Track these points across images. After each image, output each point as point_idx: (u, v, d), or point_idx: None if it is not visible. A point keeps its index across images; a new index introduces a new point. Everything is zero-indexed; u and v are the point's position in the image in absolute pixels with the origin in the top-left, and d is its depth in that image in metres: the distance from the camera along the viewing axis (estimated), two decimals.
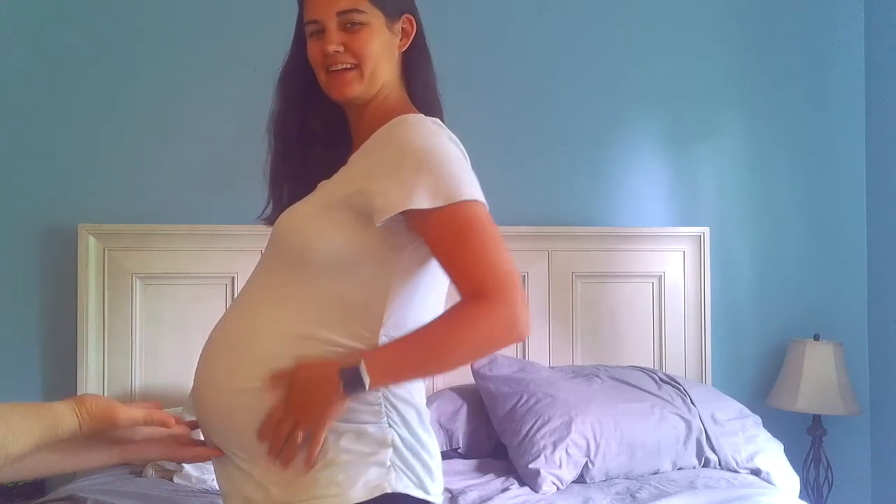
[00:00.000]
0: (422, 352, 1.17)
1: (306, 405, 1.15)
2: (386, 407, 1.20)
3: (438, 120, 1.28)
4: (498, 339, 1.16)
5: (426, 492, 1.22)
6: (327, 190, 1.25)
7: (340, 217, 1.20)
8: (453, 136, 1.26)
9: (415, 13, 1.36)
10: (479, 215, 1.18)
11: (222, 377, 1.23)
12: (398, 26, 1.32)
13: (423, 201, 1.14)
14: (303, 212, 1.25)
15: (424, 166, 1.17)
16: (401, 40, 1.33)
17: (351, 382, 1.13)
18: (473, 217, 1.17)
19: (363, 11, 1.27)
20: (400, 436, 1.21)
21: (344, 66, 1.28)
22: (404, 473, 1.20)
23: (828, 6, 3.17)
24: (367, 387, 1.13)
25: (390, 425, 1.20)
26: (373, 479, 1.17)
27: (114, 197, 2.79)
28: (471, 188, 1.18)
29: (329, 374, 1.14)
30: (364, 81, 1.29)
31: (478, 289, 1.14)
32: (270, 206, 1.40)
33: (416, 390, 1.25)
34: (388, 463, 1.19)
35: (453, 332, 1.16)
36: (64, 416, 1.07)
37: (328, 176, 1.28)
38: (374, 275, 1.21)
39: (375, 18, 1.28)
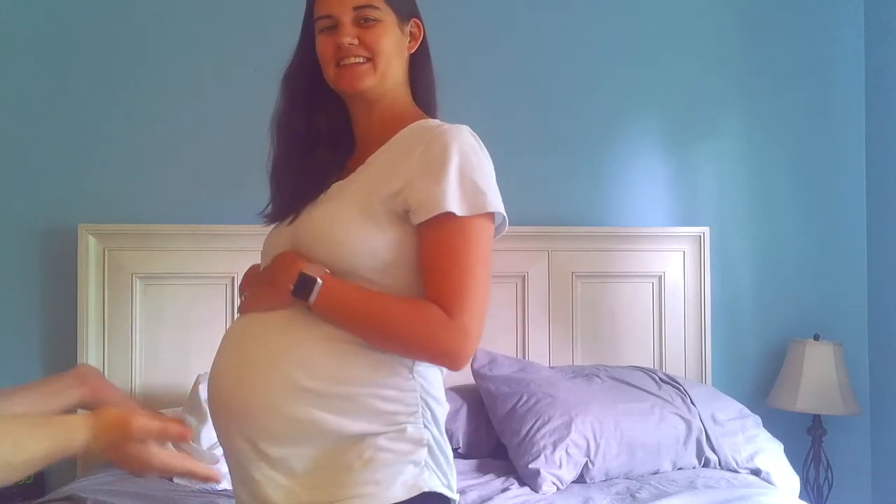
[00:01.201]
0: (370, 312, 1.19)
1: (266, 281, 1.26)
2: (422, 407, 1.22)
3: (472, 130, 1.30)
4: (435, 351, 1.19)
5: (451, 490, 1.24)
6: (357, 192, 1.25)
7: (378, 221, 1.21)
8: (484, 147, 1.28)
9: (421, 19, 1.38)
10: (486, 237, 1.22)
11: (256, 373, 1.21)
12: (408, 28, 1.35)
13: (454, 206, 1.18)
14: (334, 217, 1.25)
15: (464, 174, 1.20)
16: (409, 42, 1.35)
17: (300, 290, 1.18)
18: (482, 237, 1.21)
19: (377, 8, 1.29)
20: (433, 435, 1.23)
21: (357, 60, 1.29)
22: (435, 472, 1.21)
23: (828, 6, 3.17)
24: (309, 304, 1.18)
25: (426, 425, 1.22)
26: (410, 479, 1.18)
27: (114, 197, 2.80)
28: (496, 201, 1.23)
29: (293, 271, 1.20)
30: (377, 75, 1.30)
31: (448, 303, 1.17)
32: (271, 204, 1.41)
33: (441, 387, 1.28)
34: (423, 462, 1.20)
35: (406, 317, 1.18)
36: (77, 429, 1.04)
37: (331, 175, 1.29)
38: (413, 277, 1.22)
39: (388, 16, 1.30)
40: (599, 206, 3.03)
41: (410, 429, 1.20)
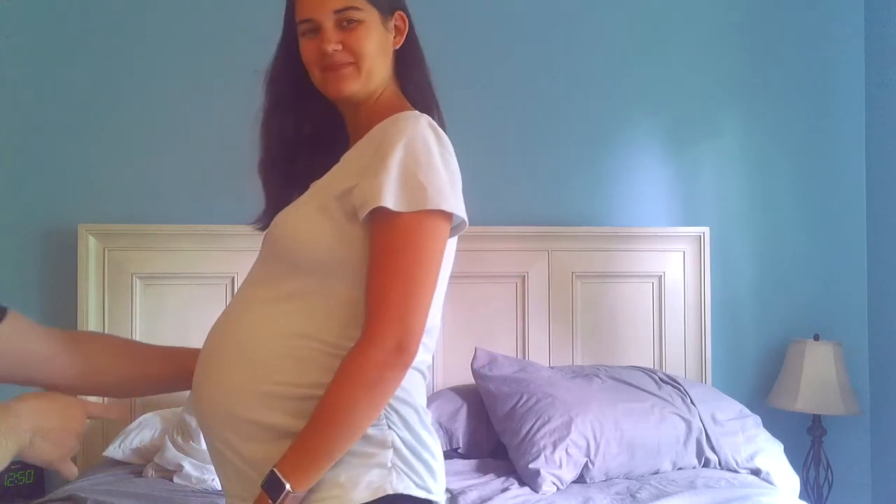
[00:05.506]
0: (326, 431, 1.14)
1: None
2: (385, 409, 1.19)
3: (434, 121, 1.25)
4: (383, 388, 1.14)
5: (428, 491, 1.22)
6: (319, 190, 1.24)
7: (332, 218, 1.19)
8: (446, 139, 1.23)
9: (406, 10, 1.34)
10: (431, 235, 1.16)
11: (222, 379, 1.23)
12: (392, 24, 1.31)
13: (389, 201, 1.13)
14: (296, 214, 1.24)
15: (406, 168, 1.15)
16: (395, 38, 1.32)
17: (276, 494, 1.11)
18: (424, 236, 1.15)
19: (360, 9, 1.26)
20: (401, 437, 1.20)
21: (341, 64, 1.27)
22: (406, 474, 1.19)
23: (828, 6, 3.18)
24: (291, 490, 1.11)
25: (390, 427, 1.20)
26: (375, 481, 1.17)
27: (114, 197, 2.80)
28: (437, 197, 1.15)
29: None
30: (361, 78, 1.28)
31: (367, 322, 1.14)
32: (264, 210, 1.40)
33: (415, 390, 1.25)
34: (389, 464, 1.18)
35: (344, 393, 1.12)
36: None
37: (318, 175, 1.27)
38: (365, 277, 1.19)
39: (371, 16, 1.27)
40: (600, 206, 3.03)
41: (372, 431, 1.18)
